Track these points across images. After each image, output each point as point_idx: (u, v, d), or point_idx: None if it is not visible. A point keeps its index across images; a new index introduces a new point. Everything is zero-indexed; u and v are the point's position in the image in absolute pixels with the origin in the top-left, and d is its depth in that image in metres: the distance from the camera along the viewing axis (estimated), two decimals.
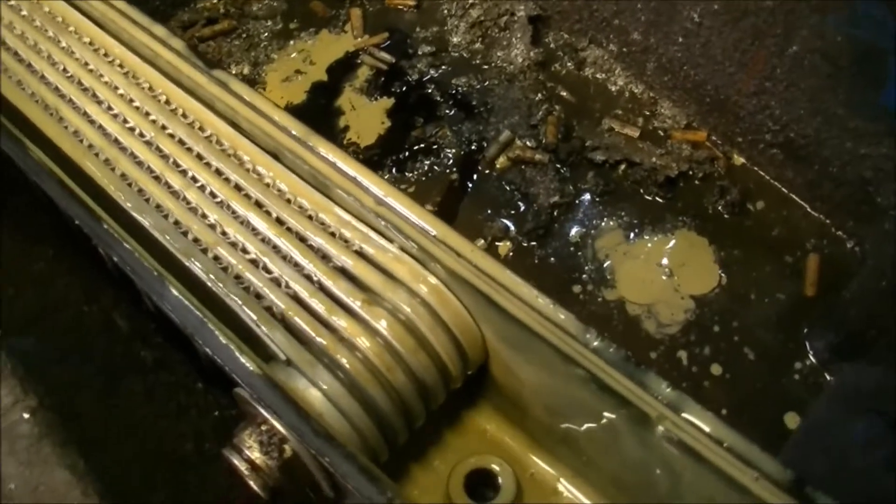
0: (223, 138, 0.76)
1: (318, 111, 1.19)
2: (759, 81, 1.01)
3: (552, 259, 1.02)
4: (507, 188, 1.08)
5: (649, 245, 1.03)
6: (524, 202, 1.07)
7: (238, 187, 0.72)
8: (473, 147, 1.12)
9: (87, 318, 0.63)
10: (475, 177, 1.09)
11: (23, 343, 0.59)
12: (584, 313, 0.95)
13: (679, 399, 0.57)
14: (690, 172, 1.08)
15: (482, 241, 1.03)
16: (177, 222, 0.69)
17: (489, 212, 1.05)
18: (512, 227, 1.05)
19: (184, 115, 0.78)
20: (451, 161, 1.11)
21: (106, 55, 0.85)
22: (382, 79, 1.22)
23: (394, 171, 1.11)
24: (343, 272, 0.67)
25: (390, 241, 0.69)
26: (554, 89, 1.17)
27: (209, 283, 0.64)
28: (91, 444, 0.51)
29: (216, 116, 0.78)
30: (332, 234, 0.69)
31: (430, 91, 1.19)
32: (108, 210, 0.70)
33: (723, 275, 1.00)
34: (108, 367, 0.66)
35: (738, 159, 1.09)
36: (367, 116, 1.18)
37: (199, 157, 0.74)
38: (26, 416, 0.51)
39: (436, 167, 1.11)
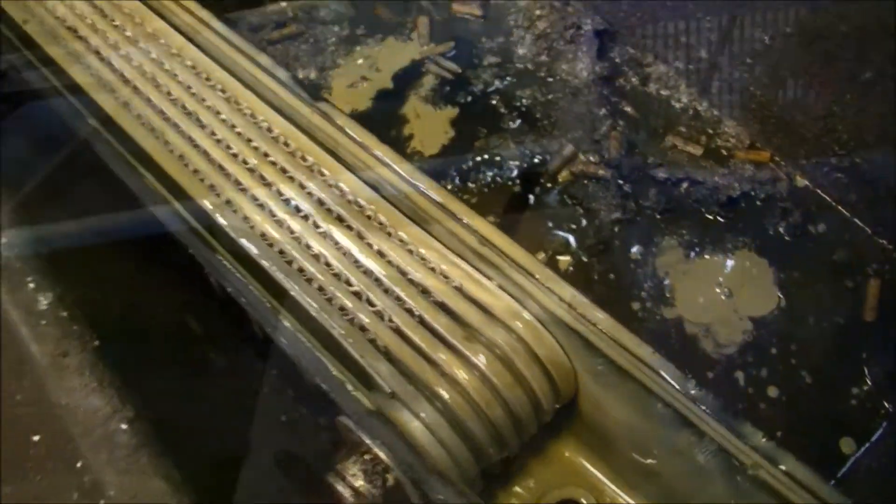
0: (325, 169, 0.78)
1: (383, 118, 1.21)
2: (828, 105, 1.01)
3: (612, 275, 1.03)
4: (569, 202, 1.09)
5: (709, 264, 1.04)
6: (586, 217, 1.08)
7: (340, 218, 0.74)
8: (536, 160, 1.13)
9: (184, 328, 0.66)
10: (537, 190, 1.11)
11: (120, 352, 0.61)
12: (643, 330, 0.96)
13: (776, 451, 0.59)
14: (752, 193, 1.08)
15: (543, 255, 1.04)
16: (282, 251, 0.72)
17: (550, 225, 1.07)
18: (573, 242, 1.06)
19: (286, 144, 0.80)
20: (513, 173, 1.12)
21: (209, 79, 0.87)
22: (447, 88, 1.23)
23: (456, 181, 1.13)
24: (443, 307, 0.69)
25: (489, 278, 0.71)
26: (618, 104, 1.18)
27: (314, 314, 0.67)
28: (187, 455, 0.54)
29: (318, 147, 0.80)
30: (433, 269, 0.71)
31: (494, 102, 1.20)
32: (213, 234, 0.73)
33: (782, 297, 1.01)
34: (206, 377, 0.68)
35: (801, 181, 1.09)
36: (431, 125, 1.20)
37: (302, 186, 0.76)
38: (124, 426, 0.54)
39: (498, 179, 1.12)
